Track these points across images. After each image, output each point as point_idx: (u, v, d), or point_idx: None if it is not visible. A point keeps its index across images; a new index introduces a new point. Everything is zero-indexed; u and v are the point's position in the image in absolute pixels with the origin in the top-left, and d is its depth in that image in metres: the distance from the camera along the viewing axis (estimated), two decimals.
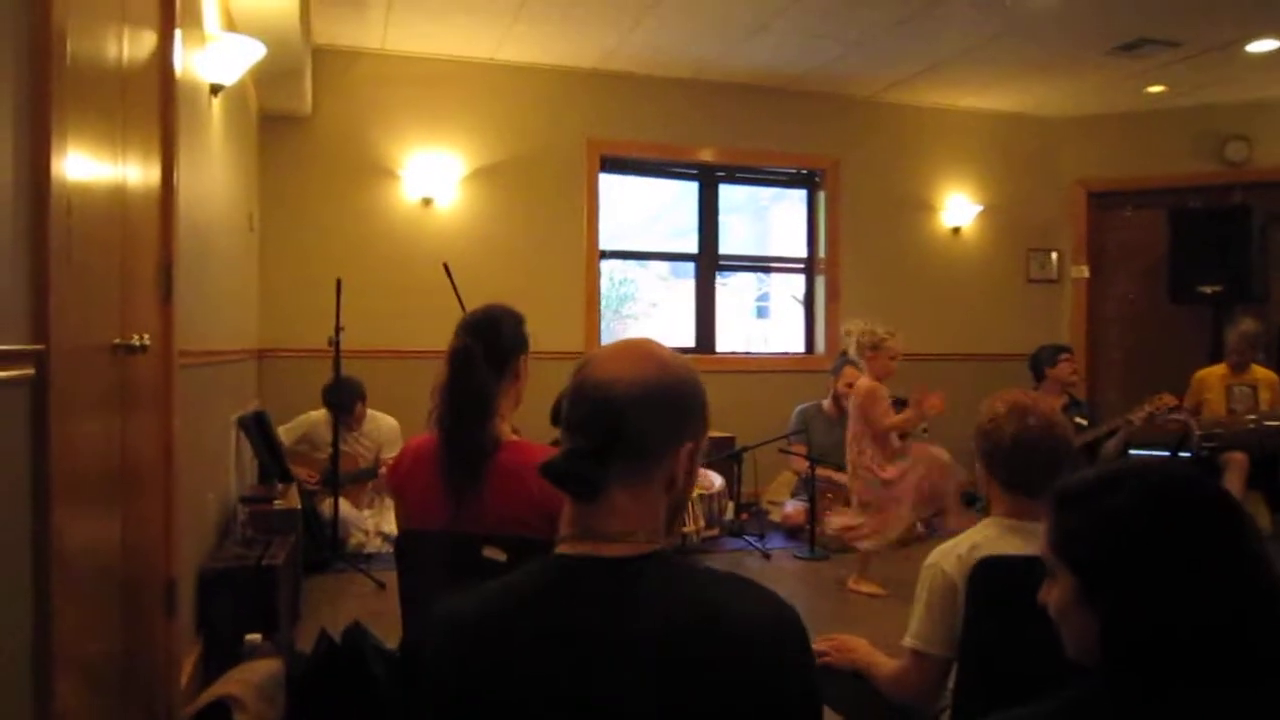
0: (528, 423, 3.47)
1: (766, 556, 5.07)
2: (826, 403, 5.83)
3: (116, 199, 2.12)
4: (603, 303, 6.63)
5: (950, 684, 2.06)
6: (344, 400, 5.05)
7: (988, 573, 1.93)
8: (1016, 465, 2.00)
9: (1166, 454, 6.28)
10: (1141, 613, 1.10)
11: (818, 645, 2.40)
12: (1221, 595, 1.06)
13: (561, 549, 1.15)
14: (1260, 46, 5.71)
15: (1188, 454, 5.93)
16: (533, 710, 1.06)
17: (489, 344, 2.09)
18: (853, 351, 4.63)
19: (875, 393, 4.52)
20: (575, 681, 1.05)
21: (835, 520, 4.75)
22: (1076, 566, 1.18)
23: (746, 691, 1.06)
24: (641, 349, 1.20)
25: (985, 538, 2.01)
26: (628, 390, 1.13)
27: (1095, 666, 1.16)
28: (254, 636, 2.68)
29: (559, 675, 1.06)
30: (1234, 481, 5.38)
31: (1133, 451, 5.99)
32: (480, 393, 2.04)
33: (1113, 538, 1.16)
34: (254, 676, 2.32)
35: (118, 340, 1.98)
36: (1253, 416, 5.59)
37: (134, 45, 2.37)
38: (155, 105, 2.64)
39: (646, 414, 1.13)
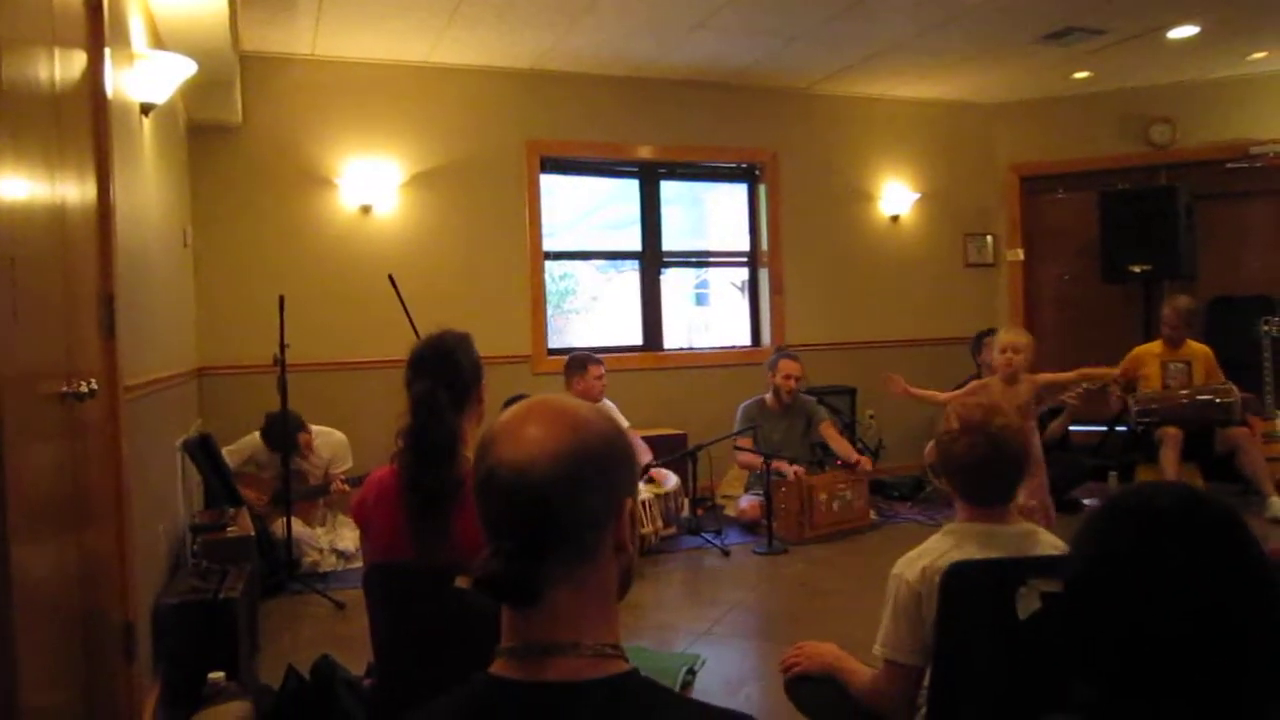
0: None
1: (726, 554, 5.09)
2: (768, 397, 5.88)
3: (56, 234, 2.03)
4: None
5: (925, 686, 2.10)
6: (288, 439, 4.82)
7: (957, 578, 1.97)
8: (969, 476, 2.06)
9: (1104, 428, 6.49)
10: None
11: (787, 654, 2.42)
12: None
13: (497, 667, 1.00)
14: (1180, 33, 5.89)
15: (1124, 428, 6.12)
16: None
17: (450, 383, 2.07)
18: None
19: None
20: None
21: None
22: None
23: None
24: (548, 414, 1.01)
25: (947, 546, 2.05)
26: (550, 469, 0.96)
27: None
28: (217, 675, 2.60)
29: None
30: (1169, 455, 5.55)
31: (1073, 428, 6.18)
32: (446, 438, 2.02)
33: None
34: None
35: (65, 388, 1.91)
36: (1186, 391, 5.77)
37: (65, 67, 2.27)
38: (88, 131, 2.54)
39: (578, 492, 0.97)
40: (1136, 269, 6.71)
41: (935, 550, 2.05)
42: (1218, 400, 5.61)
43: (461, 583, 2.00)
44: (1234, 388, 5.62)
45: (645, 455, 5.47)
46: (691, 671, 3.42)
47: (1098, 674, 1.15)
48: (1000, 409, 2.15)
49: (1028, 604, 1.90)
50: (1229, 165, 6.99)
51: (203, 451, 4.43)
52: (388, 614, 2.15)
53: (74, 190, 2.27)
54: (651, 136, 6.67)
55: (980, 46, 6.08)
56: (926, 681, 2.09)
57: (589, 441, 1.00)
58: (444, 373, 2.10)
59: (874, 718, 2.16)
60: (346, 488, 5.00)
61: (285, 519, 4.56)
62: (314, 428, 5.20)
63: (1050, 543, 2.08)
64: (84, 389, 1.93)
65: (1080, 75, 6.79)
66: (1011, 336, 4.70)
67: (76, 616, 2.09)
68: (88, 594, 2.20)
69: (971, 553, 2.00)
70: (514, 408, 1.05)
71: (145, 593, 2.96)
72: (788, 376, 5.75)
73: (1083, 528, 1.23)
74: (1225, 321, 6.69)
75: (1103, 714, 1.14)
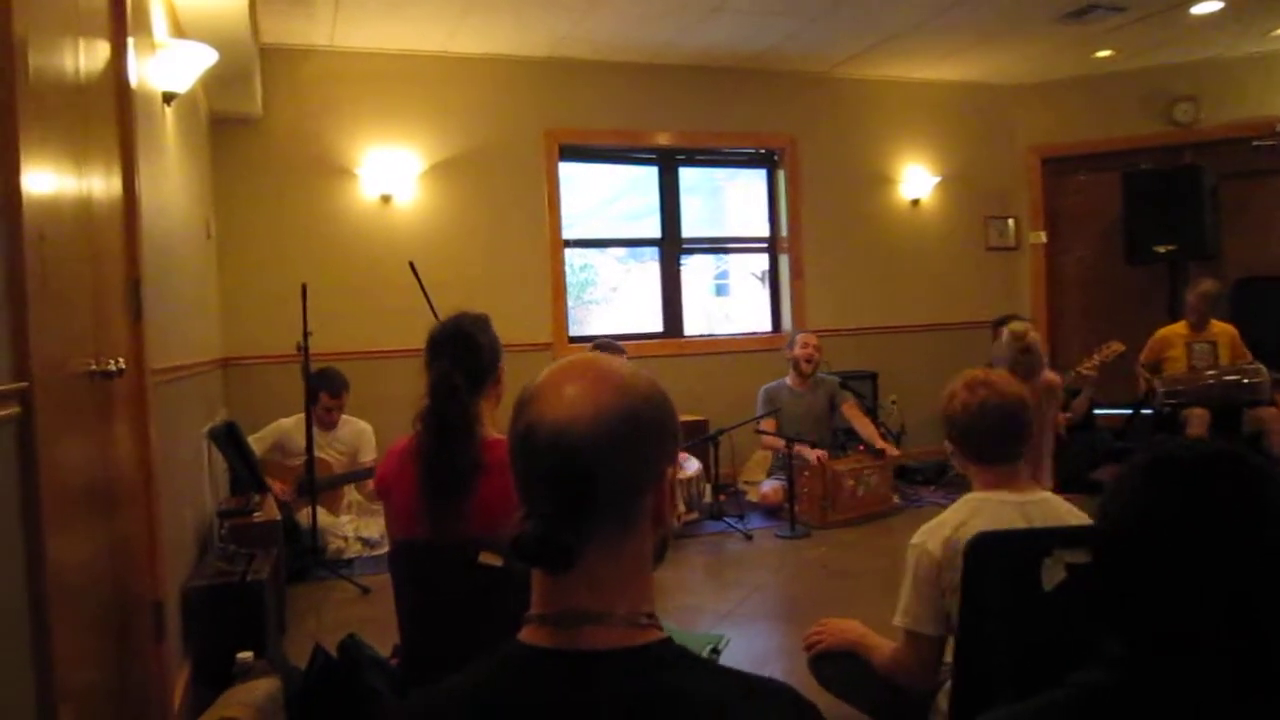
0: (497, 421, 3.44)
1: (748, 538, 5.10)
2: (790, 378, 5.90)
3: (83, 219, 2.06)
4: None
5: (948, 658, 2.10)
6: (336, 383, 5.10)
7: (981, 548, 1.97)
8: (981, 438, 2.09)
9: (1129, 410, 6.44)
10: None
11: (811, 631, 2.44)
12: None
13: (526, 634, 0.98)
14: (1203, 8, 5.81)
15: (1150, 410, 6.07)
16: None
17: (468, 366, 2.09)
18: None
19: None
20: None
21: None
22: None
23: None
24: (591, 372, 0.98)
25: (964, 515, 2.06)
26: (591, 432, 0.93)
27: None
28: (245, 655, 2.63)
29: None
30: (1195, 436, 5.50)
31: (1097, 410, 6.14)
32: (462, 420, 2.04)
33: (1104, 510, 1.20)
34: (252, 697, 2.30)
35: (94, 366, 1.94)
36: (1212, 372, 5.72)
37: (89, 57, 2.30)
38: (113, 118, 2.57)
39: (620, 456, 0.94)
40: (1161, 250, 6.64)
41: (954, 520, 2.06)
42: (1245, 380, 5.55)
43: (485, 558, 2.02)
44: (1263, 368, 5.56)
45: None
46: (715, 650, 3.41)
47: (1135, 630, 1.14)
48: (999, 375, 2.17)
49: (1053, 574, 1.90)
50: (1254, 143, 6.88)
51: (229, 439, 4.48)
52: (412, 591, 2.17)
53: (100, 176, 2.30)
54: (670, 123, 6.66)
55: (1000, 26, 6.03)
56: (949, 656, 2.10)
57: (634, 404, 0.96)
58: (461, 354, 2.11)
59: (896, 691, 2.17)
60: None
61: (311, 505, 4.60)
62: (341, 417, 5.25)
63: (1067, 509, 2.08)
64: (113, 367, 1.95)
65: (1102, 54, 6.71)
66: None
67: (108, 596, 2.13)
68: (118, 574, 2.23)
69: (989, 521, 2.00)
70: (555, 365, 1.02)
71: (174, 575, 3.00)
72: (806, 345, 5.79)
73: (1118, 483, 1.22)
74: (1251, 301, 6.61)
75: (1136, 670, 1.13)
